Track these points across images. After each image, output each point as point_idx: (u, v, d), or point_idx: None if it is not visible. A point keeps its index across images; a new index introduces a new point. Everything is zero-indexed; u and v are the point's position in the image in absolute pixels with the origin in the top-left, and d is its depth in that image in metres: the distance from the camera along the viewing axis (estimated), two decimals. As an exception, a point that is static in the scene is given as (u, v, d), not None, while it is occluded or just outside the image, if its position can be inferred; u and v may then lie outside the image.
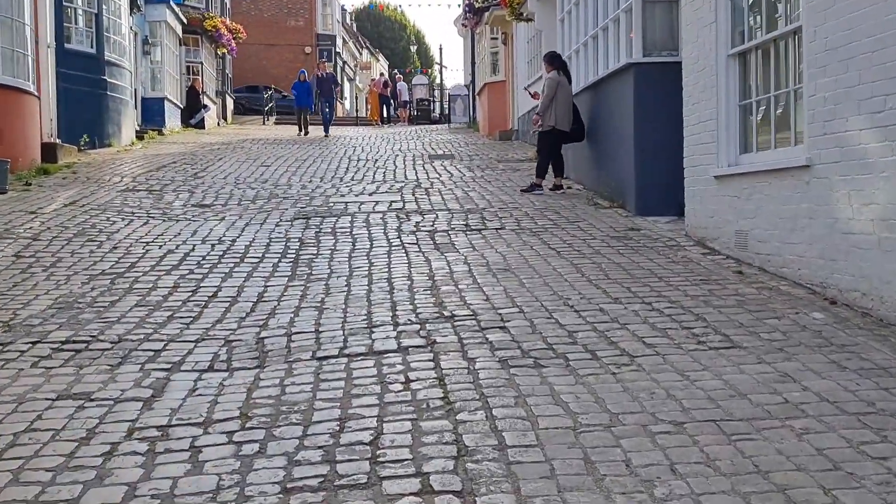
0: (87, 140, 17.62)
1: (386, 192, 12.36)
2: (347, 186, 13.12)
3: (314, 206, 11.15)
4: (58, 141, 16.68)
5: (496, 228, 9.34)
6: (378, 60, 74.25)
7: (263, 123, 35.72)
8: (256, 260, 8.15)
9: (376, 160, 17.20)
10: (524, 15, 17.08)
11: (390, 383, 4.65)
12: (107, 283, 7.24)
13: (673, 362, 4.84)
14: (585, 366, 4.83)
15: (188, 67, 30.43)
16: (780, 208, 6.67)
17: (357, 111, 44.67)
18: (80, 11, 18.12)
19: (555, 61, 12.14)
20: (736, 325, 5.54)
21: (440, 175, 14.42)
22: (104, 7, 18.60)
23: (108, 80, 18.57)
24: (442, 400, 4.35)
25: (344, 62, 53.93)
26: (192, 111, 29.17)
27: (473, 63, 29.03)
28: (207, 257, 8.24)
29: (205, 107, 29.75)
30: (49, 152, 15.22)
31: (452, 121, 31.98)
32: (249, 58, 43.85)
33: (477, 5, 23.30)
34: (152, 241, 8.88)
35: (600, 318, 5.77)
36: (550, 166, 12.19)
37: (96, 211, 10.53)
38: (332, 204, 11.23)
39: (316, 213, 10.57)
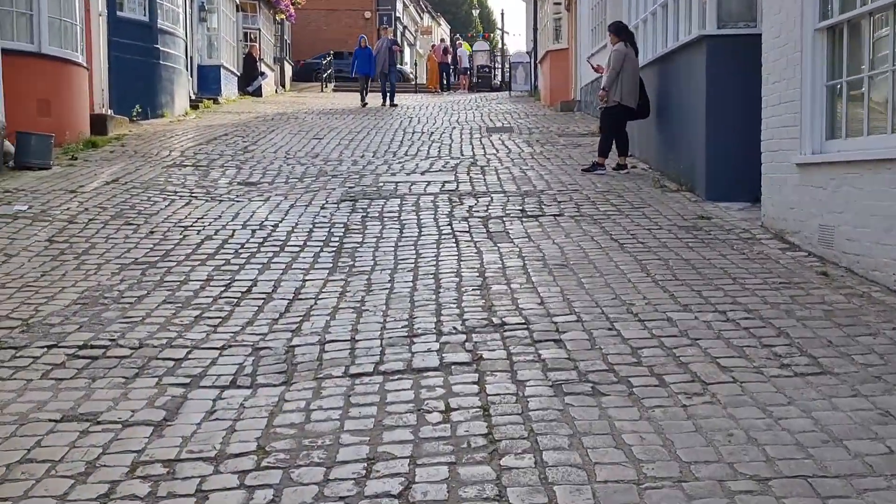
0: (140, 111, 17.34)
1: (440, 170, 11.77)
2: (400, 163, 12.58)
3: (363, 185, 10.63)
4: (109, 112, 16.43)
5: (554, 215, 8.71)
6: (440, 25, 73.34)
7: (322, 91, 35.33)
8: (297, 248, 7.66)
9: (432, 133, 16.60)
10: (589, -20, 16.26)
11: (428, 412, 4.11)
12: (137, 275, 6.81)
13: (753, 393, 4.21)
14: (651, 395, 4.23)
15: (245, 34, 30.06)
16: (874, 204, 5.94)
17: (416, 77, 43.94)
18: (130, -22, 17.77)
19: (621, 32, 11.36)
20: (824, 344, 4.88)
21: (497, 151, 13.78)
22: (156, -27, 18.22)
23: (161, 48, 18.23)
24: (485, 437, 3.80)
25: (405, 27, 53.22)
26: (248, 78, 28.84)
27: (535, 29, 28.16)
28: (246, 245, 7.78)
29: (262, 74, 29.39)
30: (99, 124, 14.95)
31: (513, 89, 31.19)
32: (309, 23, 43.44)
33: (540, -31, 22.43)
34: (191, 226, 8.45)
35: (668, 331, 5.15)
36: (614, 144, 11.48)
37: (138, 189, 10.15)
38: (381, 184, 10.69)
39: (364, 193, 10.05)
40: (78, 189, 9.98)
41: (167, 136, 15.33)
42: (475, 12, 72.71)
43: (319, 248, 7.66)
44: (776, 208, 7.60)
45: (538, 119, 19.34)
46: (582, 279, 6.37)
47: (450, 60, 38.88)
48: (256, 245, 7.78)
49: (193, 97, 22.92)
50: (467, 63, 37.78)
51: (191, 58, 23.49)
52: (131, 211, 9.02)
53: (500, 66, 43.89)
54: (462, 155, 13.39)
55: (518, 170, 11.62)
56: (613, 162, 11.48)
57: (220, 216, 8.89)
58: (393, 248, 7.60)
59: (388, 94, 23.47)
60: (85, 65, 14.16)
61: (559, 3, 23.84)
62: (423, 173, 11.49)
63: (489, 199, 9.60)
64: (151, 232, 8.21)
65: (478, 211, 8.99)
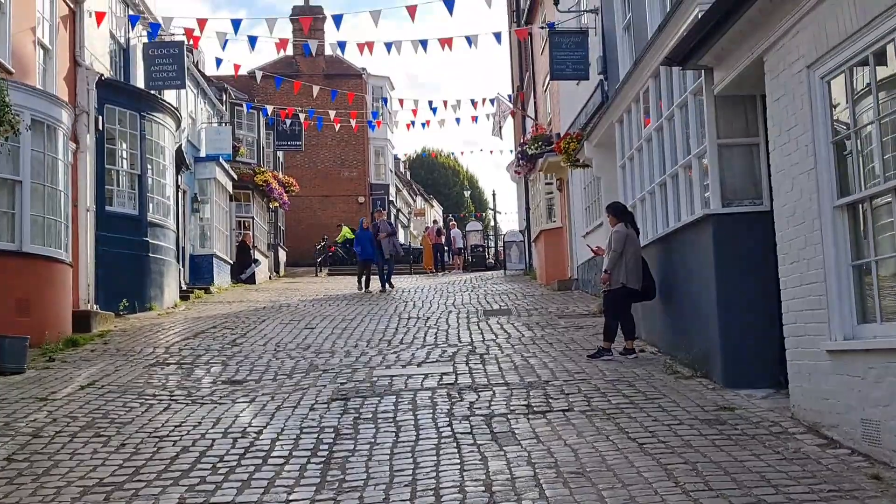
0: (126, 305, 16.88)
1: (437, 360, 11.14)
2: (395, 353, 11.96)
3: (356, 380, 9.97)
4: (95, 307, 15.97)
5: (563, 410, 8.02)
6: (433, 206, 74.65)
7: (316, 275, 35.18)
8: (282, 460, 6.92)
9: (428, 318, 16.08)
10: (580, 161, 16.19)
11: None
12: (100, 501, 6.04)
13: None
14: None
15: (239, 222, 30.16)
16: (926, 397, 5.30)
17: (411, 259, 44.05)
18: (122, 173, 17.71)
19: (620, 213, 11.04)
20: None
21: (496, 336, 13.21)
22: (148, 168, 18.19)
23: (151, 241, 17.97)
24: None
25: (398, 209, 53.93)
26: (242, 266, 28.68)
27: (528, 208, 28.25)
28: (226, 458, 7.03)
29: (255, 261, 29.24)
30: (82, 321, 14.43)
31: (508, 267, 30.98)
32: (304, 209, 43.94)
33: (530, 152, 22.61)
34: (167, 436, 7.72)
35: (712, 562, 4.38)
36: (620, 328, 10.92)
37: (114, 394, 9.46)
38: (375, 378, 10.03)
39: (357, 390, 9.36)
40: (49, 396, 9.29)
41: (153, 332, 14.76)
42: (466, 193, 74.13)
43: (307, 459, 6.91)
44: (807, 398, 6.94)
45: (536, 299, 18.90)
46: (602, 491, 5.62)
47: (443, 241, 39.02)
48: (237, 457, 7.03)
49: (185, 287, 22.58)
50: (461, 243, 37.87)
51: (182, 248, 23.32)
52: (103, 420, 8.30)
53: (493, 245, 44.10)
54: (460, 342, 12.80)
55: (520, 357, 11.00)
56: (620, 346, 10.88)
57: (199, 422, 8.17)
58: (388, 457, 6.85)
59: (386, 277, 22.68)
60: (68, 262, 13.77)
61: (551, 184, 23.95)
62: (419, 364, 10.85)
63: (491, 392, 8.92)
64: (123, 444, 7.48)
65: (479, 408, 8.30)
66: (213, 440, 7.54)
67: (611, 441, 6.86)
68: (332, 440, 7.43)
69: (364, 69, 47.81)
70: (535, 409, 8.12)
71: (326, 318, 16.65)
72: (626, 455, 6.45)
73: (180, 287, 21.96)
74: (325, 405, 8.73)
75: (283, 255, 37.77)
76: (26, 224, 12.44)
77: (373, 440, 7.37)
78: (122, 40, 19.30)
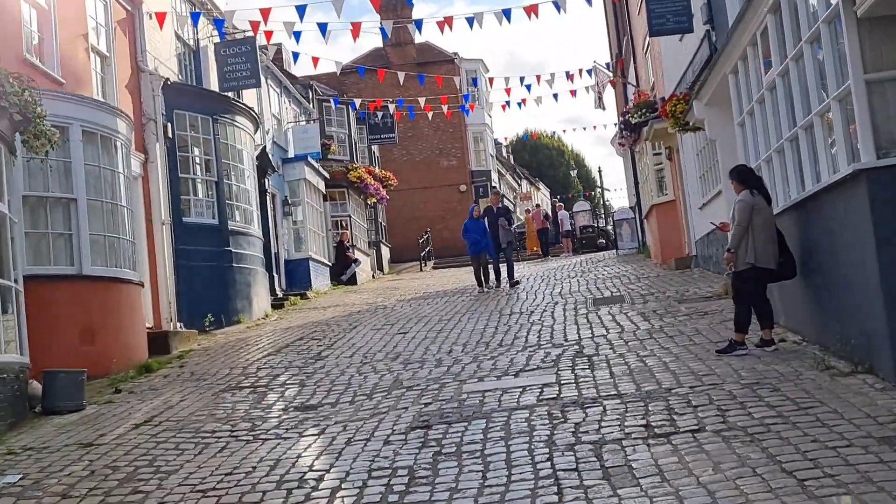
0: (212, 320, 15.96)
1: (538, 367, 9.60)
2: (491, 358, 10.50)
3: (442, 399, 8.53)
4: (179, 326, 15.10)
5: (692, 430, 6.39)
6: (538, 189, 72.85)
7: (420, 269, 34.06)
8: (340, 520, 5.55)
9: (531, 312, 14.56)
10: (690, 124, 14.33)
11: None
12: None
13: None
14: None
15: (336, 222, 29.25)
16: None
17: (517, 246, 42.56)
18: (198, 181, 16.78)
19: (746, 178, 9.24)
20: None
21: (607, 330, 11.58)
22: (225, 174, 17.22)
23: (234, 250, 17.01)
24: None
25: (502, 195, 52.38)
26: (341, 267, 27.74)
27: (636, 183, 26.31)
28: (273, 519, 5.72)
29: (355, 261, 28.26)
30: (160, 343, 13.53)
31: (620, 247, 29.13)
32: (405, 203, 42.84)
33: (633, 121, 20.72)
34: (212, 489, 6.45)
35: None
36: (753, 314, 9.15)
37: (170, 433, 8.30)
38: (464, 396, 8.56)
39: (442, 414, 7.92)
40: (96, 440, 8.20)
41: (235, 349, 13.72)
42: (573, 173, 71.89)
43: (370, 518, 5.52)
44: None
45: (651, 282, 17.11)
46: (757, 567, 4.03)
47: (549, 225, 37.31)
48: (287, 518, 5.71)
49: (281, 294, 21.72)
50: (569, 225, 36.08)
51: (276, 254, 22.45)
52: (147, 470, 7.12)
53: (603, 224, 42.11)
54: (566, 341, 11.24)
55: (635, 357, 9.36)
56: (755, 336, 9.12)
57: (254, 468, 6.89)
58: (471, 510, 5.40)
59: (507, 272, 19.44)
60: (138, 281, 12.81)
61: (659, 154, 22.00)
62: (517, 374, 9.33)
63: (601, 408, 7.35)
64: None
65: (587, 431, 6.74)
66: (263, 494, 6.23)
67: (760, 477, 5.22)
68: (404, 487, 6.02)
69: (456, 54, 46.45)
70: (656, 430, 6.51)
71: (422, 319, 15.33)
72: (783, 501, 4.81)
73: (274, 295, 21.09)
74: (403, 436, 7.33)
75: (385, 252, 36.81)
76: (85, 245, 11.51)
77: (453, 485, 5.91)
78: (191, 42, 18.42)
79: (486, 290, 18.81)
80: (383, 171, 35.42)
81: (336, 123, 30.62)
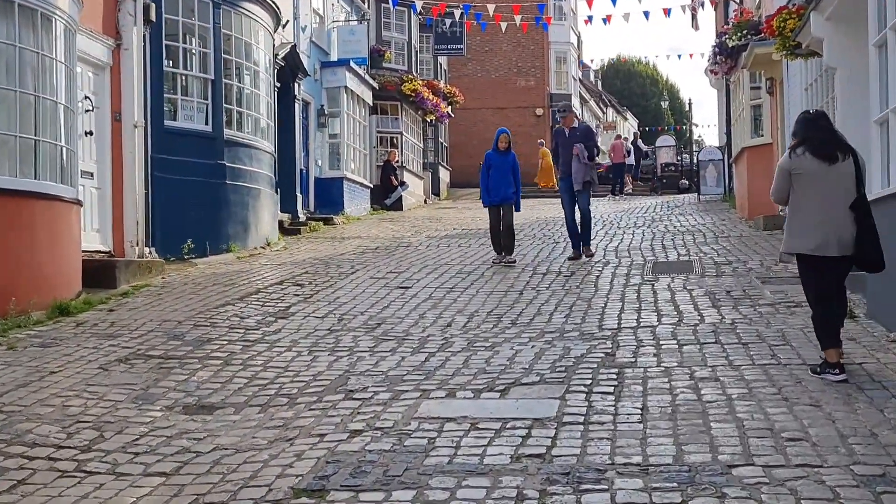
0: (192, 247, 13.29)
1: (542, 379, 6.54)
2: (488, 349, 7.57)
3: (377, 429, 5.59)
4: (148, 251, 12.54)
5: None
6: (626, 119, 68.52)
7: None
8: None
9: (572, 274, 11.56)
10: (802, 47, 10.89)
11: None
12: None
13: None
14: None
15: (385, 139, 26.31)
16: None
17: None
18: (190, 79, 13.94)
19: (796, 129, 6.61)
20: None
21: (659, 318, 8.53)
22: (228, 73, 14.36)
23: (230, 164, 14.24)
24: None
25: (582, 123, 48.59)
26: (386, 189, 24.92)
27: (728, 121, 22.64)
28: None
29: (402, 184, 25.39)
30: (106, 274, 10.91)
31: (703, 192, 25.57)
32: (475, 123, 39.55)
33: (731, 44, 17.13)
34: None
35: None
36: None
37: (-23, 437, 5.63)
38: (412, 427, 5.54)
39: (357, 467, 4.96)
40: None
41: (198, 289, 11.06)
42: (664, 104, 67.13)
43: None
44: None
45: (732, 244, 13.83)
46: None
47: (630, 160, 33.83)
48: None
49: (304, 217, 19.07)
50: (632, 160, 32.48)
51: (302, 171, 19.72)
52: None
53: (689, 162, 38.24)
54: (600, 328, 8.23)
55: (686, 380, 6.30)
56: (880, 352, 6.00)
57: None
58: None
59: (584, 232, 12.92)
60: (70, 198, 10.13)
61: (758, 88, 18.39)
62: (505, 391, 6.31)
63: (606, 497, 4.36)
64: None
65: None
66: None
67: None
68: None
69: (542, -39, 42.38)
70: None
71: (440, 268, 12.47)
72: None
73: (295, 217, 18.46)
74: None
75: (445, 176, 33.85)
76: (-17, 147, 8.84)
77: None
78: None
79: (502, 261, 12.55)
80: (449, 87, 32.22)
81: (396, 28, 27.39)
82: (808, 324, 7.66)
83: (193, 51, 13.96)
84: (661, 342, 7.52)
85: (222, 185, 14.05)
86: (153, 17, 12.90)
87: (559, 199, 13.49)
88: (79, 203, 10.43)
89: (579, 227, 12.90)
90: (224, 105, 14.22)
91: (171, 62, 13.61)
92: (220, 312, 9.52)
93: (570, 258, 12.79)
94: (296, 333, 8.59)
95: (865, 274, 8.04)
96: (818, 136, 6.41)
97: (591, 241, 13.31)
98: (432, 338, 8.21)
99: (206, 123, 13.94)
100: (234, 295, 10.55)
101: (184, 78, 13.81)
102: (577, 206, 12.87)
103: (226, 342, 8.19)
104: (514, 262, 12.54)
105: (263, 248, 15.07)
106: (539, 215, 20.05)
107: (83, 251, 10.92)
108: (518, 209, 12.98)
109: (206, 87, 13.99)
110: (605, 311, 9.08)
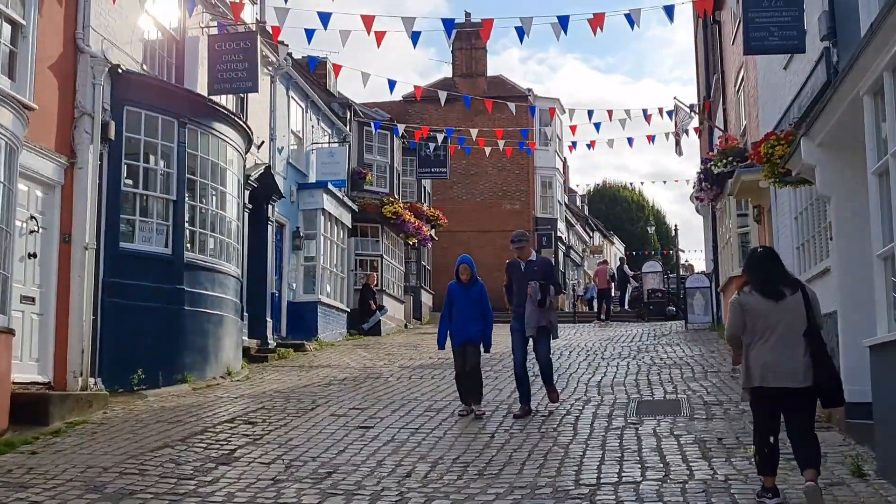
0: (142, 377, 12.35)
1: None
2: (449, 511, 6.60)
3: None
4: (94, 383, 11.62)
5: None
6: (612, 243, 68.50)
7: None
8: None
9: (549, 414, 10.62)
10: (792, 174, 10.29)
11: None
12: None
13: None
14: None
15: (368, 262, 25.63)
16: None
17: (575, 305, 38.47)
18: (150, 199, 13.26)
19: (747, 267, 6.95)
20: None
21: (643, 472, 7.58)
22: (192, 194, 13.71)
23: (190, 289, 13.42)
24: None
25: (568, 247, 48.21)
26: (365, 313, 24.07)
27: (715, 248, 22.09)
28: None
29: (381, 308, 24.57)
30: (39, 409, 9.94)
31: (690, 320, 24.78)
32: (458, 245, 38.82)
33: (716, 171, 16.67)
34: None
35: None
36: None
37: None
38: None
39: None
40: None
41: (142, 425, 10.09)
42: (650, 229, 67.20)
43: None
44: None
45: (722, 380, 12.96)
46: None
47: (614, 286, 33.23)
48: None
49: (274, 343, 18.18)
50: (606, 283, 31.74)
51: (274, 295, 18.92)
52: None
53: (675, 288, 37.65)
54: (577, 482, 7.29)
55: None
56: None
57: None
58: None
59: (544, 375, 11.03)
60: (5, 327, 9.26)
61: (745, 215, 17.89)
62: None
63: None
64: None
65: None
66: None
67: None
68: None
69: (530, 90, 42.87)
70: None
71: (408, 403, 11.56)
72: None
73: (265, 344, 17.57)
74: None
75: (428, 299, 33.04)
76: None
77: None
78: (173, 27, 15.04)
79: (471, 412, 10.60)
80: (432, 210, 31.83)
81: (378, 151, 27.10)
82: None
83: (155, 170, 13.31)
84: (645, 504, 6.57)
85: (180, 310, 13.20)
86: (112, 135, 12.33)
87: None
88: (10, 332, 9.56)
89: (545, 373, 10.96)
90: (187, 227, 13.51)
91: (131, 181, 12.95)
92: (154, 457, 8.53)
93: (516, 415, 10.38)
94: (234, 484, 7.60)
95: (874, 424, 7.23)
96: (761, 276, 6.67)
97: (555, 385, 11.25)
98: (387, 492, 7.24)
99: (166, 246, 13.19)
100: (177, 435, 9.56)
101: (143, 198, 13.13)
102: (534, 350, 10.90)
103: (150, 496, 7.19)
104: (484, 413, 10.57)
105: (223, 377, 14.10)
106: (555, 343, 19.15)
107: (15, 383, 10.02)
108: (488, 349, 11.05)
109: (168, 207, 13.29)
110: (583, 461, 8.13)
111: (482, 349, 10.97)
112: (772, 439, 6.48)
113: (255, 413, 10.96)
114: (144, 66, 13.75)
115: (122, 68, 12.51)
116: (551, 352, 11.20)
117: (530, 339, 10.91)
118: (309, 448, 9.02)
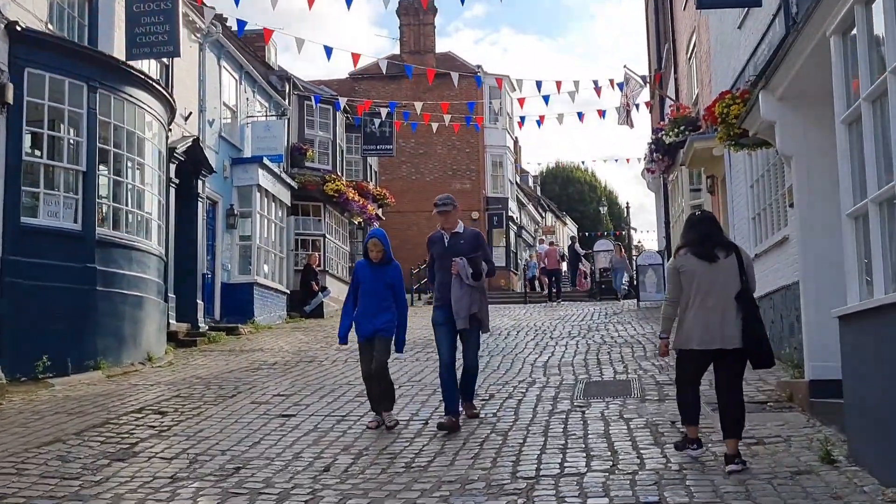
0: (48, 364, 11.26)
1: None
2: (365, 511, 5.72)
3: None
4: (-10, 370, 10.46)
5: None
6: (565, 224, 68.07)
7: (411, 304, 29.24)
8: None
9: (491, 396, 9.79)
10: (750, 135, 9.52)
11: None
12: None
13: None
14: None
15: (306, 241, 24.60)
16: None
17: (526, 287, 37.74)
18: (57, 171, 12.14)
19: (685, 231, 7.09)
20: None
21: (585, 465, 6.73)
22: (105, 166, 12.61)
23: (102, 268, 12.35)
24: None
25: (520, 227, 47.48)
26: (306, 295, 23.06)
27: (668, 223, 21.43)
28: None
29: (324, 289, 23.57)
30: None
31: (643, 298, 24.14)
32: (408, 226, 38.04)
33: (668, 140, 15.95)
34: None
35: None
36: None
37: None
38: None
39: None
40: None
41: (38, 417, 9.07)
42: (603, 209, 66.75)
43: None
44: None
45: (675, 359, 12.20)
46: None
47: (566, 267, 32.53)
48: None
49: (206, 326, 17.12)
50: (549, 262, 30.99)
51: (206, 275, 17.85)
52: None
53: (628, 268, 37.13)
54: (513, 475, 6.43)
55: (621, 566, 4.52)
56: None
57: None
58: None
59: (469, 381, 8.79)
60: None
61: (698, 190, 17.23)
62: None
63: None
64: None
65: None
66: None
67: None
68: None
69: (479, 66, 41.89)
70: None
71: (338, 388, 10.67)
72: None
73: (196, 327, 16.53)
74: None
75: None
76: None
77: None
78: (85, -12, 13.86)
79: (381, 423, 8.47)
80: (379, 188, 30.83)
81: (319, 126, 25.98)
82: (778, 474, 6.00)
83: (63, 138, 12.19)
84: (589, 500, 5.73)
85: (91, 291, 12.12)
86: (10, 98, 11.18)
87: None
88: None
89: (467, 381, 8.70)
90: (100, 201, 12.42)
91: (35, 150, 11.83)
92: (40, 454, 7.53)
93: (440, 425, 8.11)
94: (126, 484, 6.64)
95: (842, 404, 6.49)
96: (697, 238, 6.73)
97: (475, 396, 9.13)
98: (298, 490, 6.34)
99: (75, 221, 12.10)
100: (72, 428, 8.56)
101: (50, 169, 12.00)
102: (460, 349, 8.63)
103: (22, 500, 6.20)
104: (396, 423, 8.45)
105: (143, 363, 13.06)
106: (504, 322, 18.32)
107: None
108: (400, 349, 8.80)
109: (77, 179, 12.19)
110: (522, 449, 7.28)
111: (392, 347, 8.69)
112: (694, 390, 6.73)
113: (169, 402, 9.98)
114: (50, 26, 12.57)
115: (20, 25, 11.36)
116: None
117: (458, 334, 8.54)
118: (220, 440, 8.08)
